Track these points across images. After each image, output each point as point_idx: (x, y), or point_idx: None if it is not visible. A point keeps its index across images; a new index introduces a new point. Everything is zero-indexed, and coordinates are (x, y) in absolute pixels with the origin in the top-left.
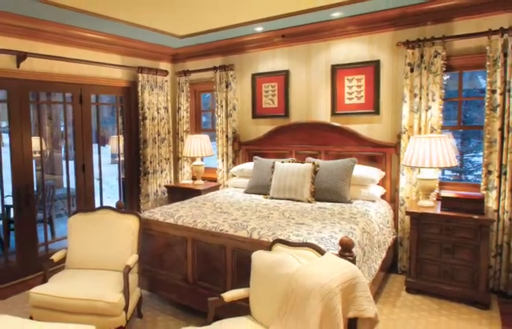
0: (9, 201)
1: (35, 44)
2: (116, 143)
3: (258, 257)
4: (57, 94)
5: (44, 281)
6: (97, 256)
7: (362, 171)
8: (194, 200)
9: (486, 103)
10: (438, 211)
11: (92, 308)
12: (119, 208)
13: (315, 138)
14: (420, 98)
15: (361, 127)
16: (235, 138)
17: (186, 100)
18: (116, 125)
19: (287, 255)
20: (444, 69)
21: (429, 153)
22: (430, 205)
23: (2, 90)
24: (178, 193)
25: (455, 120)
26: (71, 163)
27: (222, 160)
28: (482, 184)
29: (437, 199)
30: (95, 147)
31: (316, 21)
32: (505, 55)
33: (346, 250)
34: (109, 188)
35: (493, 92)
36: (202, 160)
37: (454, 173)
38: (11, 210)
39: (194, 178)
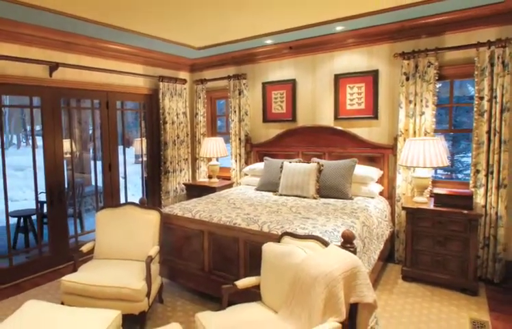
0: (42, 197)
1: (66, 55)
2: (139, 145)
3: (268, 248)
4: (86, 101)
5: (74, 270)
6: (122, 247)
7: (362, 170)
8: (210, 196)
9: (474, 109)
10: (431, 206)
11: (117, 294)
12: (142, 204)
13: (320, 140)
14: (415, 104)
15: (361, 131)
16: (247, 140)
17: (203, 106)
18: (139, 128)
19: (294, 246)
20: (437, 78)
21: (423, 154)
22: (424, 202)
23: (36, 97)
24: (195, 190)
25: (446, 124)
26: (98, 163)
27: (236, 160)
28: (471, 182)
29: (430, 196)
30: (120, 148)
31: (321, 34)
32: (492, 65)
33: (347, 242)
34: (133, 186)
35: (481, 98)
36: (217, 160)
37: (446, 172)
38: (45, 205)
39: (209, 177)
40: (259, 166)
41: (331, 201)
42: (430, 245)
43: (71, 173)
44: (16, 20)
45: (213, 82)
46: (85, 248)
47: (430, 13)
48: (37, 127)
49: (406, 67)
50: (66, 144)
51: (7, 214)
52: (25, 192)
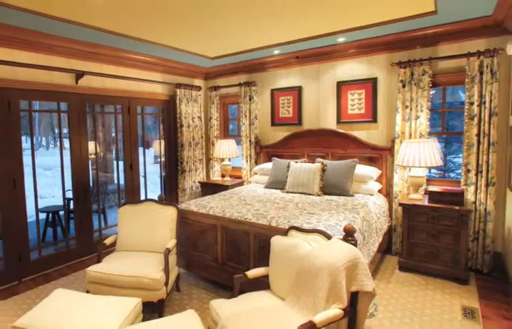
0: (69, 194)
1: (91, 64)
2: (158, 146)
3: (276, 241)
4: (109, 106)
5: (99, 261)
6: (142, 240)
7: (362, 169)
8: (223, 194)
9: (465, 113)
10: (425, 203)
11: (138, 283)
12: (160, 201)
13: (324, 142)
14: (411, 109)
15: (361, 133)
16: (257, 142)
17: (216, 111)
18: (157, 131)
19: (300, 239)
20: (430, 85)
21: (418, 155)
22: (419, 198)
23: (63, 102)
24: (209, 188)
25: (440, 128)
26: (121, 163)
27: (246, 161)
28: (462, 180)
29: (425, 193)
30: (140, 149)
31: (324, 45)
32: (481, 73)
33: (349, 235)
34: (152, 184)
35: (471, 104)
36: (229, 160)
37: (439, 171)
38: (71, 202)
39: (222, 175)
40: (268, 165)
41: (334, 198)
42: (425, 238)
43: (95, 173)
44: (45, 32)
45: (226, 89)
46: (108, 241)
47: (425, 25)
48: (65, 130)
49: (402, 75)
50: (91, 145)
51: (37, 210)
52: (53, 190)
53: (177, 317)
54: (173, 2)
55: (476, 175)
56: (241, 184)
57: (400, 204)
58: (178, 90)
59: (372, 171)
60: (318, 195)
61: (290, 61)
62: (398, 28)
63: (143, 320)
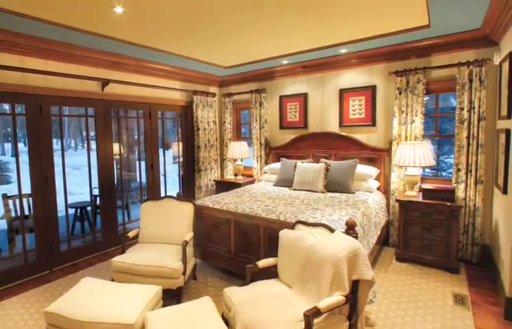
0: (96, 191)
1: (116, 73)
2: (176, 148)
3: (284, 234)
4: (132, 111)
5: (122, 252)
6: (162, 233)
7: (362, 169)
8: (236, 191)
9: (456, 118)
10: (420, 199)
11: (158, 272)
12: (179, 197)
13: (327, 144)
14: (406, 114)
15: (361, 136)
16: (267, 144)
17: (229, 115)
18: (176, 134)
19: (305, 232)
20: (424, 92)
21: (413, 156)
22: (414, 195)
23: (91, 108)
24: (223, 186)
25: (433, 131)
26: (142, 163)
27: (257, 161)
28: (453, 179)
29: (419, 191)
30: (160, 150)
31: (328, 56)
32: (470, 81)
33: (350, 229)
34: (171, 182)
35: (462, 109)
36: (241, 160)
37: (432, 171)
38: (98, 198)
39: (235, 174)
40: (277, 165)
41: (337, 194)
42: (419, 232)
43: (119, 172)
44: (75, 43)
45: (238, 96)
46: (131, 234)
47: (419, 38)
48: (92, 133)
49: (399, 83)
50: (116, 147)
51: (67, 206)
52: (81, 187)
53: (194, 303)
54: (190, 17)
55: (466, 174)
56: (252, 182)
57: (397, 200)
58: (195, 96)
59: (371, 170)
60: (322, 192)
61: (297, 70)
62: (395, 40)
63: (163, 306)
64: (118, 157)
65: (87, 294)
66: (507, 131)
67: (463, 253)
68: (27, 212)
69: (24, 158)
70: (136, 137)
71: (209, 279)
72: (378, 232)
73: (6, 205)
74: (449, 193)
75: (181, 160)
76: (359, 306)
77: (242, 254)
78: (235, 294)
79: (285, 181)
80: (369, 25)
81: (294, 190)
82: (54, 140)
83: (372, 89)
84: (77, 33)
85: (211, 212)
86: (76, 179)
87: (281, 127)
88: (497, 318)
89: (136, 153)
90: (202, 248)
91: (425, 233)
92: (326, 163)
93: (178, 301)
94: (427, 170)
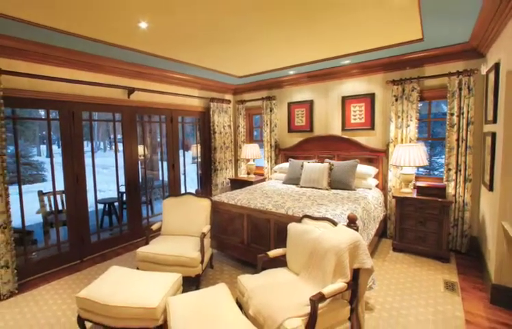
0: (122, 189)
1: (141, 82)
2: (195, 149)
3: (292, 227)
4: (155, 116)
5: (146, 243)
6: (182, 226)
7: (362, 168)
8: (248, 188)
9: (447, 122)
10: (414, 196)
11: (178, 261)
12: (197, 194)
13: (331, 145)
14: (402, 119)
15: (361, 139)
16: (276, 145)
17: (243, 120)
18: (195, 137)
19: (311, 226)
20: (418, 99)
21: (408, 156)
22: (409, 192)
23: (118, 113)
24: (237, 184)
25: (426, 134)
26: (164, 163)
27: (267, 161)
28: (444, 177)
29: (414, 188)
30: (181, 152)
31: (331, 66)
32: (460, 89)
33: (351, 222)
34: (190, 180)
35: (452, 114)
36: (253, 161)
37: (425, 170)
38: (124, 195)
39: (248, 173)
40: (285, 165)
41: (339, 191)
42: (414, 225)
43: (144, 171)
44: (103, 55)
45: (251, 102)
46: (154, 227)
47: (414, 50)
48: (119, 136)
49: (395, 91)
50: (140, 149)
51: (96, 202)
52: (109, 185)
53: (211, 289)
54: (207, 32)
55: (456, 173)
56: (263, 180)
57: (394, 197)
58: (211, 103)
59: (370, 170)
60: (326, 189)
61: (303, 79)
62: (392, 52)
63: (183, 292)
64: (142, 158)
65: (114, 281)
66: (493, 135)
67: (453, 244)
68: (60, 207)
69: (58, 159)
70: (159, 140)
71: (225, 268)
72: (377, 225)
73: (42, 201)
74: (440, 190)
75: (199, 160)
76: (360, 292)
77: (254, 245)
78: (248, 281)
79: (293, 180)
80: (369, 39)
81: (301, 187)
82: (85, 143)
83: (371, 96)
84: (105, 46)
85: (226, 207)
86: (104, 178)
87: (289, 130)
88: (484, 303)
89: (159, 154)
90: (218, 239)
91: (419, 226)
92: (329, 163)
93: (197, 288)
94: (421, 169)
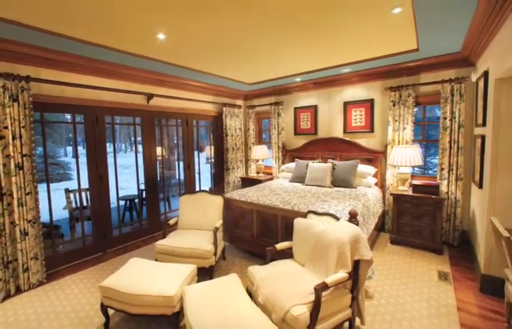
0: (142, 187)
1: (159, 88)
2: (209, 150)
3: (298, 221)
4: (172, 120)
5: (164, 237)
6: (197, 221)
7: (363, 168)
8: (258, 186)
9: (440, 125)
10: (410, 193)
11: (193, 253)
12: (211, 191)
13: (334, 147)
14: (399, 122)
15: (362, 140)
16: (283, 147)
17: (253, 124)
18: (208, 139)
19: (316, 220)
20: (414, 104)
21: (405, 157)
22: (406, 190)
23: (138, 117)
24: (247, 182)
25: (421, 136)
26: (181, 163)
27: (275, 161)
28: (437, 176)
29: (410, 186)
30: (195, 153)
31: (334, 74)
32: (452, 95)
33: (352, 217)
34: (204, 179)
35: (445, 118)
36: (262, 161)
37: (420, 169)
38: (144, 192)
39: (257, 172)
40: (292, 165)
41: (341, 189)
42: (410, 220)
43: (162, 170)
44: (124, 64)
45: (260, 107)
46: (171, 222)
47: (410, 59)
48: (139, 138)
49: (393, 97)
50: (158, 150)
51: (118, 198)
52: (130, 183)
53: (223, 279)
54: (220, 43)
55: (448, 172)
56: (271, 179)
57: (391, 194)
58: (224, 108)
59: (370, 169)
60: (329, 187)
61: (308, 86)
62: (390, 61)
63: (197, 281)
64: (160, 158)
65: (135, 271)
66: (482, 137)
67: (446, 237)
68: (85, 204)
69: (82, 159)
70: (175, 141)
71: (236, 259)
72: (376, 220)
73: (68, 198)
74: (434, 188)
75: (212, 160)
76: (360, 282)
77: (263, 238)
78: (257, 271)
79: (299, 178)
80: (369, 49)
81: (306, 185)
82: (107, 144)
83: (371, 102)
84: (126, 56)
85: (237, 203)
86: (126, 177)
87: (295, 133)
88: (474, 291)
89: (175, 154)
90: (230, 233)
91: (414, 221)
92: (332, 163)
93: (211, 277)
94: (416, 169)
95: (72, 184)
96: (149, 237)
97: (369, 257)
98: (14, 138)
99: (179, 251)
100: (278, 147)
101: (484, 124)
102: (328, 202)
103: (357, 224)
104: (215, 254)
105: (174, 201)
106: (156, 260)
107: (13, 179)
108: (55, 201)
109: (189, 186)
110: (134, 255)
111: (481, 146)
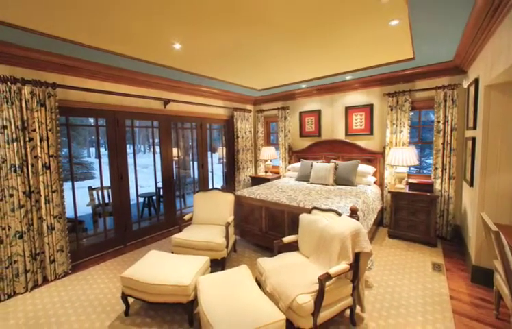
0: (159, 185)
1: (175, 94)
2: (221, 151)
3: (303, 217)
4: (187, 123)
5: (180, 231)
6: (210, 216)
7: (363, 167)
8: (266, 184)
9: (434, 129)
10: (407, 191)
11: (207, 246)
12: (223, 189)
13: (336, 148)
14: (396, 126)
15: (362, 142)
16: (290, 148)
17: (261, 127)
18: (221, 141)
19: (319, 216)
20: (410, 109)
21: (401, 157)
22: (402, 188)
23: (155, 121)
24: (256, 181)
25: (416, 138)
26: (195, 163)
27: (282, 161)
28: (432, 175)
29: (406, 184)
30: (209, 153)
31: (336, 81)
32: (445, 101)
33: (353, 213)
34: (217, 178)
35: (438, 122)
36: (270, 161)
37: (416, 169)
38: (161, 190)
39: (265, 172)
40: (297, 165)
41: (343, 187)
42: (406, 215)
43: (178, 170)
44: (143, 71)
45: (268, 111)
46: (186, 217)
47: (406, 67)
48: (156, 140)
49: (390, 102)
50: (174, 151)
51: (137, 196)
52: (148, 181)
53: (234, 270)
54: (231, 52)
55: (442, 171)
56: (278, 177)
57: (389, 192)
58: (235, 112)
59: (369, 169)
60: (332, 185)
61: (313, 92)
62: (388, 69)
63: (211, 272)
64: (176, 158)
65: (153, 263)
66: (473, 139)
67: (439, 231)
68: (107, 200)
69: (104, 159)
70: (190, 143)
71: (246, 252)
72: (375, 216)
73: (91, 195)
74: (429, 186)
75: (224, 160)
76: (360, 272)
77: (271, 232)
78: (266, 263)
79: (304, 177)
80: (368, 58)
81: (311, 183)
82: (127, 146)
83: (370, 107)
84: (145, 64)
85: (247, 200)
86: (144, 176)
87: (301, 135)
88: (466, 281)
89: (190, 155)
90: (241, 228)
91: (410, 216)
92: (335, 163)
93: (223, 268)
94: (412, 168)
95: (95, 183)
96: (166, 231)
97: (368, 249)
98: (41, 140)
99: (194, 244)
100: (284, 148)
101: (474, 127)
102: (331, 199)
103: (358, 219)
104: (226, 247)
105: (189, 198)
106: (172, 252)
107: (40, 178)
108: (79, 198)
109: (202, 184)
110: (152, 247)
111: (472, 147)
